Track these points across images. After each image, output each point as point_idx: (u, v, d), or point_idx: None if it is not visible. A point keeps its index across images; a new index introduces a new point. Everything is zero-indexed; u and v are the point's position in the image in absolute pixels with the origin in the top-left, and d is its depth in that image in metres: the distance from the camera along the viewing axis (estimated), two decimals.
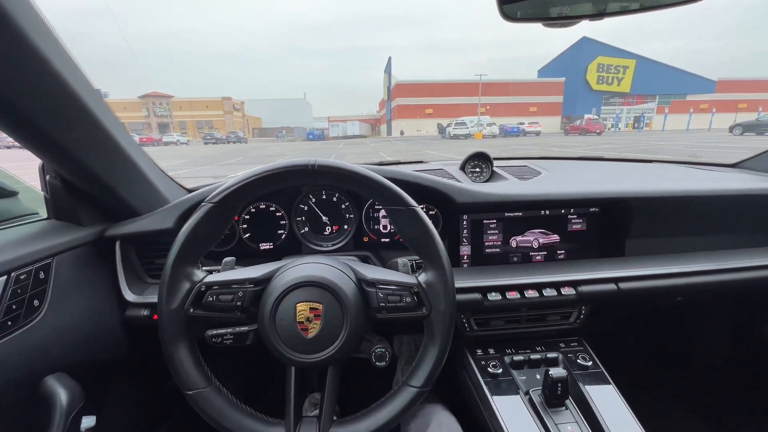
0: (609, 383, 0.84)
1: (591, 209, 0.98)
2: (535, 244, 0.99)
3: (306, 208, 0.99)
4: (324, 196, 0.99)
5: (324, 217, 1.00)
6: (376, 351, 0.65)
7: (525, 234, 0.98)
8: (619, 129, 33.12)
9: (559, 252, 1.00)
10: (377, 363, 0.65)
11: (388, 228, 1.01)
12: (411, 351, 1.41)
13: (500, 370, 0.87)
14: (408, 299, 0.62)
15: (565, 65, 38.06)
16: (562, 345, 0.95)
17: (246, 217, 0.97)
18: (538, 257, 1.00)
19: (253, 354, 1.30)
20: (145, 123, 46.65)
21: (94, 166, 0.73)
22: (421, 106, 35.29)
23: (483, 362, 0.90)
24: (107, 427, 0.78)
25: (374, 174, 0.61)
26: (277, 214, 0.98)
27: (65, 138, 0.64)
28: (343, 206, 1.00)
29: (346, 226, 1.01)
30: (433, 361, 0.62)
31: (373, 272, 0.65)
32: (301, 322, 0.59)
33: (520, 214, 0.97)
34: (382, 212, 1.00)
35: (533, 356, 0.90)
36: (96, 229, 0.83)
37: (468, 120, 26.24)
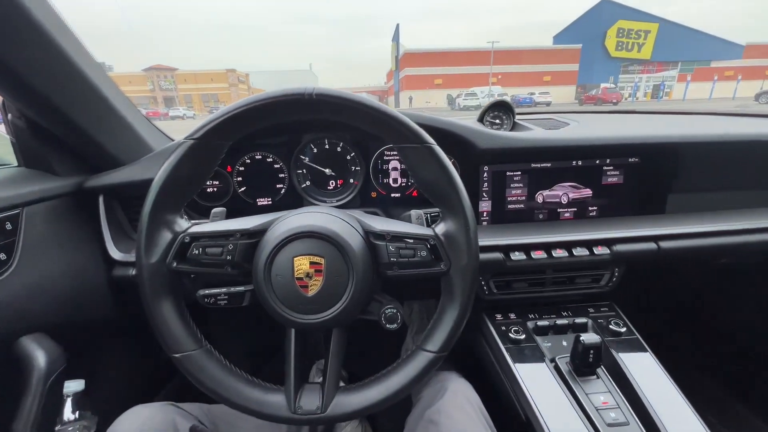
0: (646, 351, 0.75)
1: (630, 159, 0.86)
2: (564, 200, 0.88)
3: (307, 159, 0.89)
4: (327, 146, 0.88)
5: (327, 170, 0.90)
6: (386, 312, 0.57)
7: (553, 188, 0.87)
8: (637, 98, 31.75)
9: (590, 208, 0.89)
10: (387, 325, 0.58)
11: (399, 182, 0.91)
12: (422, 319, 1.34)
13: (523, 336, 0.79)
14: (423, 253, 0.53)
15: (583, 30, 35.98)
16: (591, 310, 0.86)
17: (241, 169, 0.88)
18: (567, 214, 0.89)
19: (254, 318, 1.25)
20: (150, 97, 46.19)
21: (60, 103, 0.64)
22: (430, 76, 34.08)
23: (503, 328, 0.81)
24: (98, 392, 0.73)
25: (383, 105, 0.51)
26: (276, 166, 0.89)
27: (13, 56, 0.54)
28: (348, 157, 0.89)
29: (352, 180, 0.91)
30: (452, 324, 0.54)
31: (382, 224, 0.57)
32: (300, 279, 0.51)
33: (549, 165, 0.85)
34: (392, 164, 0.90)
35: (559, 321, 0.82)
36: (73, 179, 0.75)
37: (479, 90, 25.34)
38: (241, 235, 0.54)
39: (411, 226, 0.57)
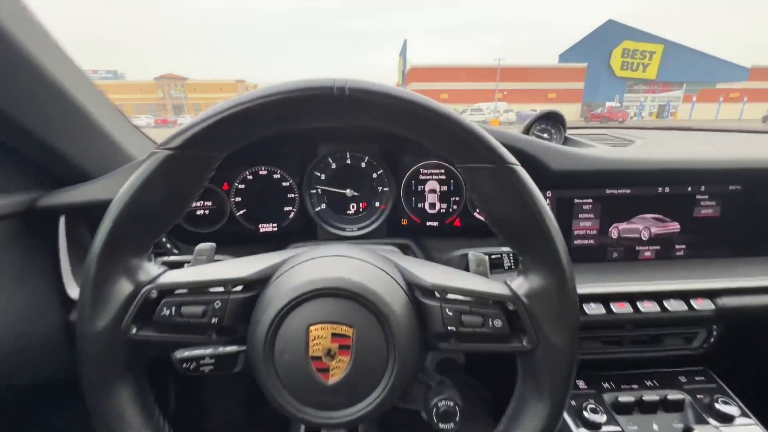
0: None
1: (731, 187, 0.68)
2: (645, 235, 0.70)
3: (324, 176, 0.72)
4: (349, 161, 0.72)
5: (348, 191, 0.73)
6: (440, 406, 0.40)
7: (632, 220, 0.69)
8: (642, 118, 31.79)
9: (677, 247, 0.71)
10: (441, 424, 0.40)
11: (437, 207, 0.73)
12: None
13: (603, 418, 0.59)
14: (497, 323, 0.37)
15: (588, 50, 36.41)
16: (683, 379, 0.67)
17: (240, 186, 0.71)
18: (648, 253, 0.71)
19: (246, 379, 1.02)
20: (160, 105, 46.76)
21: (5, 103, 0.48)
22: (436, 91, 34.25)
23: (573, 402, 0.62)
24: None
25: (446, 108, 0.34)
26: (284, 184, 0.72)
27: None
28: (375, 175, 0.72)
29: (378, 204, 0.74)
30: (539, 429, 0.36)
31: (432, 273, 0.40)
32: (318, 358, 0.35)
33: (628, 191, 0.68)
34: (429, 185, 0.73)
35: (647, 397, 0.62)
36: (23, 196, 0.58)
37: (485, 106, 25.47)
38: (233, 287, 0.38)
39: (475, 278, 0.41)
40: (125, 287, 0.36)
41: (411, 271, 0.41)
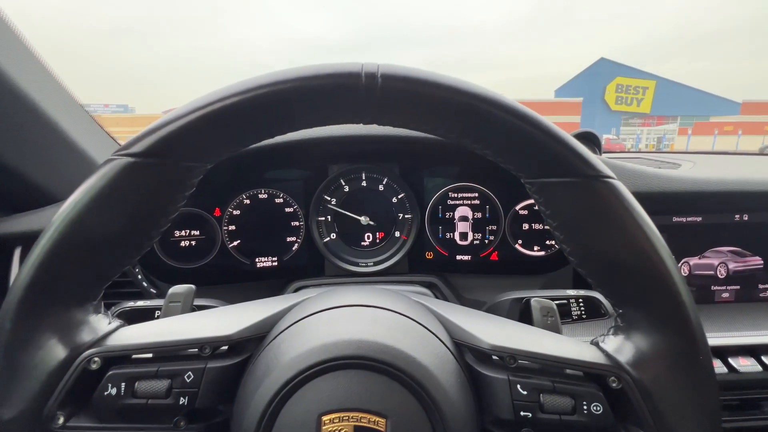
0: None
1: None
2: (722, 272, 0.59)
3: (334, 201, 0.63)
4: (364, 182, 0.63)
5: (363, 218, 0.63)
6: None
7: (705, 254, 0.58)
8: (639, 150, 32.50)
9: (762, 287, 0.59)
10: None
11: (470, 237, 0.63)
12: None
13: None
14: (597, 407, 0.26)
15: (583, 85, 38.03)
16: None
17: (236, 213, 0.61)
18: (726, 294, 0.59)
19: None
20: None
21: None
22: None
23: None
24: None
25: (516, 103, 0.25)
26: (288, 210, 0.63)
27: None
28: (395, 200, 0.63)
29: (398, 233, 0.64)
30: None
31: (491, 328, 0.29)
32: None
33: (699, 219, 0.57)
34: (460, 211, 0.62)
35: None
36: None
37: None
38: (213, 351, 0.27)
39: (554, 338, 0.30)
40: (54, 353, 0.25)
41: (460, 326, 0.29)
